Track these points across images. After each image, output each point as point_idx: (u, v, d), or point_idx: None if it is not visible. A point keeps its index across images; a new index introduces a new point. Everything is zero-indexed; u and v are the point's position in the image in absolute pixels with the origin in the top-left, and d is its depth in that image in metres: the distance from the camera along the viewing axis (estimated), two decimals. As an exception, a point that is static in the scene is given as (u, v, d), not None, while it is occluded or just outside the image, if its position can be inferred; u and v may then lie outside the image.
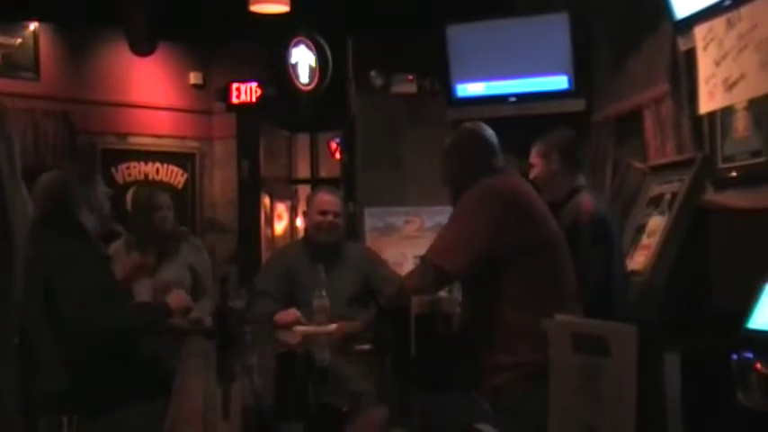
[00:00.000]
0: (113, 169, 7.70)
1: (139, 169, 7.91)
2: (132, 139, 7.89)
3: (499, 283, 2.77)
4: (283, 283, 4.02)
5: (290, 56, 6.83)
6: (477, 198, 2.85)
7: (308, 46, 6.86)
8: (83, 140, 7.36)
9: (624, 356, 0.99)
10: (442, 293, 2.87)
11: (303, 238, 4.40)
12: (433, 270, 2.79)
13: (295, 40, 6.79)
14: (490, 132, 3.09)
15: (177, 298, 3.42)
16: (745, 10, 3.38)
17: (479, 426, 1.72)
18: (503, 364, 2.71)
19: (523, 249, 2.77)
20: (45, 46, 7.27)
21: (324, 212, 4.10)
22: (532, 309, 2.65)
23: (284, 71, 6.90)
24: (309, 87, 6.89)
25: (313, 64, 6.86)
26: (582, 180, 3.78)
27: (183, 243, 4.32)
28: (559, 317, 1.22)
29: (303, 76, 6.91)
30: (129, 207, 5.22)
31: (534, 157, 3.80)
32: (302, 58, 6.91)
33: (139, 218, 4.28)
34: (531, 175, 3.74)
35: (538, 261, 2.79)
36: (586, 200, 3.65)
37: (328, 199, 4.17)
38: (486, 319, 2.75)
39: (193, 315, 3.58)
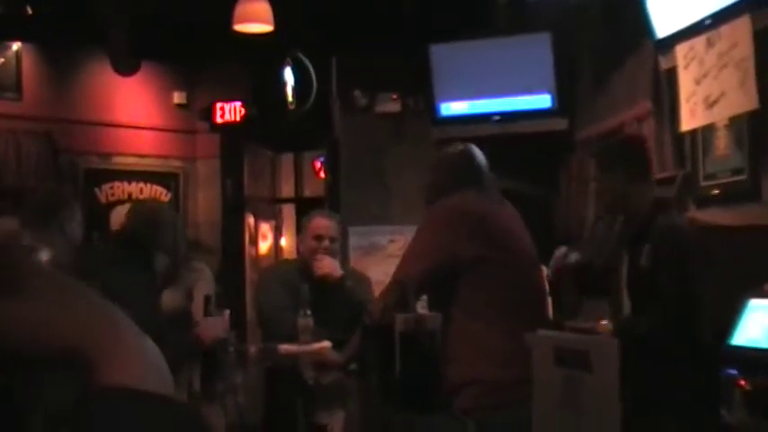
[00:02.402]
0: (97, 189, 7.67)
1: (123, 189, 7.88)
2: (116, 159, 7.86)
3: (457, 297, 2.80)
4: (288, 294, 3.90)
5: (280, 75, 6.83)
6: (435, 213, 2.92)
7: (291, 65, 6.87)
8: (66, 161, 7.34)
9: (606, 371, 0.99)
10: (423, 310, 2.87)
11: (298, 261, 4.18)
12: (394, 284, 2.83)
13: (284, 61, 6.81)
14: (479, 155, 3.11)
15: (209, 326, 3.30)
16: (724, 29, 3.42)
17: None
18: (464, 379, 2.72)
19: (481, 265, 2.80)
20: (28, 66, 7.25)
21: (320, 237, 3.92)
22: (492, 324, 2.69)
23: (271, 90, 6.90)
24: (294, 107, 6.90)
25: (296, 83, 6.87)
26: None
27: (186, 266, 3.97)
28: (541, 332, 1.22)
29: (288, 96, 6.92)
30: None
31: (594, 170, 3.40)
32: (287, 78, 6.92)
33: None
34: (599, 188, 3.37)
35: (495, 277, 2.82)
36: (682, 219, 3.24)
37: (325, 223, 4.00)
38: (446, 332, 2.76)
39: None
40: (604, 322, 3.19)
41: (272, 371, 2.05)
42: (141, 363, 0.58)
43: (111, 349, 0.57)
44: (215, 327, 3.30)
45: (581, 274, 3.70)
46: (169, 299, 3.91)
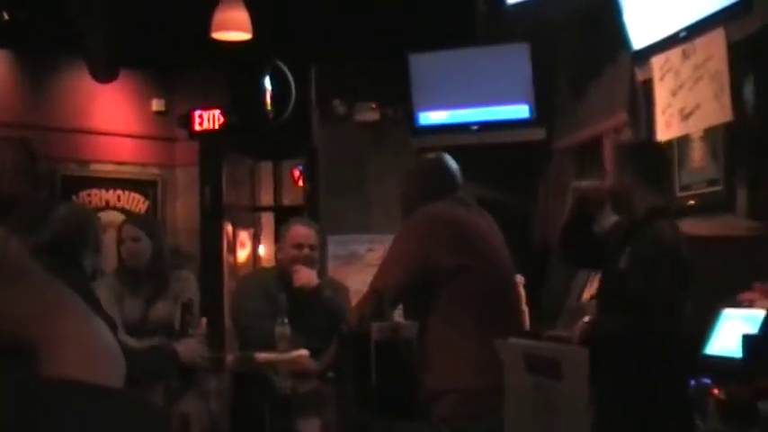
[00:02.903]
0: (74, 197, 7.62)
1: (100, 197, 7.84)
2: (93, 167, 7.82)
3: (433, 306, 2.82)
4: (266, 302, 3.89)
5: (259, 83, 6.83)
6: (412, 223, 2.93)
7: (270, 74, 6.87)
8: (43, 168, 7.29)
9: (576, 379, 1.00)
10: (399, 319, 2.88)
11: (276, 269, 4.15)
12: (371, 294, 2.84)
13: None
14: (453, 164, 3.13)
15: (189, 349, 3.24)
16: (699, 42, 3.46)
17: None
18: (441, 388, 2.74)
19: (457, 274, 2.81)
20: (3, 72, 7.20)
21: (299, 246, 3.90)
22: (467, 332, 2.71)
23: (250, 99, 6.90)
24: (272, 115, 6.89)
25: (275, 92, 6.86)
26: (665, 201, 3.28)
27: (173, 275, 3.96)
28: (511, 339, 1.23)
29: (267, 104, 6.91)
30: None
31: (608, 164, 3.40)
32: (266, 86, 6.91)
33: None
34: (607, 185, 3.31)
35: (471, 286, 2.83)
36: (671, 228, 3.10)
37: (304, 232, 3.97)
38: (422, 341, 2.77)
39: None
40: (586, 319, 3.19)
41: (239, 376, 2.05)
42: (85, 352, 0.58)
43: (56, 339, 0.57)
44: (191, 350, 3.28)
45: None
46: (163, 311, 3.87)
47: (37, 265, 0.61)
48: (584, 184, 3.54)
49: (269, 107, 6.84)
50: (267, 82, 6.83)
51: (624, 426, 2.73)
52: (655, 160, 3.24)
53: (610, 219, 3.43)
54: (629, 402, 2.75)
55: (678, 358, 2.94)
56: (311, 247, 3.95)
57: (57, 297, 0.60)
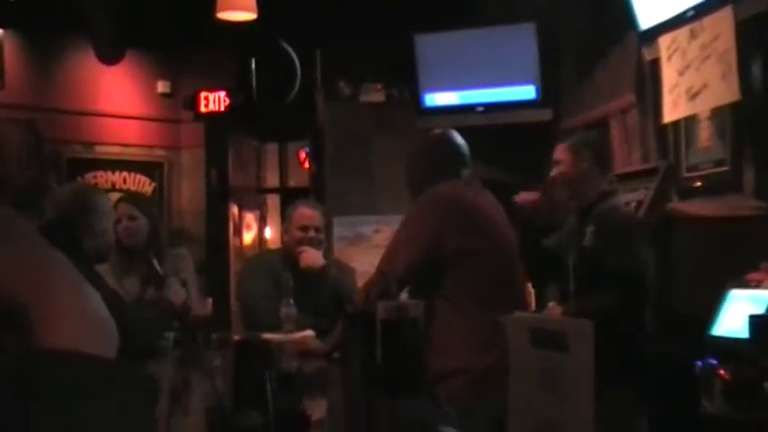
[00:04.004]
0: (80, 178, 7.63)
1: (106, 178, 7.85)
2: (99, 149, 7.83)
3: (440, 287, 2.81)
4: (271, 283, 3.91)
5: (265, 64, 6.80)
6: (423, 204, 2.91)
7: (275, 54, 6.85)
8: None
9: (582, 351, 1.00)
10: (404, 298, 2.88)
11: (281, 250, 4.18)
12: (378, 276, 2.83)
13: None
14: (460, 140, 3.11)
15: (175, 293, 3.38)
16: (707, 21, 3.43)
17: (444, 429, 1.72)
18: (447, 369, 2.74)
19: (465, 255, 2.81)
20: (10, 54, 7.20)
21: (305, 228, 3.91)
22: (472, 313, 2.71)
23: (255, 80, 6.88)
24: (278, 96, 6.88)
25: (281, 73, 6.84)
26: (612, 184, 3.56)
27: (168, 254, 3.97)
28: (517, 313, 1.23)
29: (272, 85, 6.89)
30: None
31: (561, 154, 3.53)
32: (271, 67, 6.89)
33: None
34: (554, 173, 3.52)
35: (479, 268, 2.83)
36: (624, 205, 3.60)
37: (309, 213, 3.97)
38: (429, 322, 2.77)
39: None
40: (551, 304, 3.37)
41: (240, 341, 2.05)
42: (81, 323, 0.58)
43: (50, 309, 0.57)
44: (177, 293, 3.36)
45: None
46: (175, 296, 3.87)
47: (31, 231, 0.61)
48: (521, 198, 3.67)
49: (254, 89, 6.80)
50: (251, 65, 6.80)
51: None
52: (605, 150, 3.70)
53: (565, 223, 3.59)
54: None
55: (645, 320, 3.29)
56: (316, 229, 3.95)
57: (48, 264, 0.60)
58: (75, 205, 3.11)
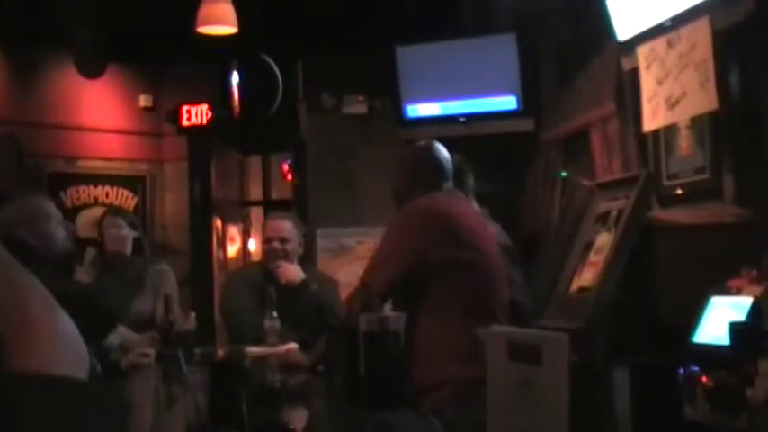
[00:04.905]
0: (62, 193, 7.60)
1: (89, 193, 7.81)
2: (81, 163, 7.79)
3: (424, 300, 2.81)
4: (254, 296, 3.91)
5: (247, 78, 6.82)
6: (403, 218, 2.92)
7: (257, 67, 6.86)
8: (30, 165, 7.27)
9: (556, 364, 1.01)
10: (388, 311, 2.88)
11: (263, 263, 4.20)
12: (361, 289, 2.84)
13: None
14: (444, 153, 3.12)
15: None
16: (684, 31, 3.46)
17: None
18: (433, 381, 2.74)
19: (448, 267, 2.81)
20: (-10, 68, 7.17)
21: (268, 240, 3.98)
22: (457, 324, 2.71)
23: (233, 92, 6.88)
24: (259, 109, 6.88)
25: (262, 85, 6.85)
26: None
27: (150, 269, 4.01)
28: (494, 327, 1.24)
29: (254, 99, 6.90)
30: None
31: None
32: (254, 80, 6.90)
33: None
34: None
35: (463, 279, 2.84)
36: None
37: (272, 225, 4.06)
38: (413, 335, 2.78)
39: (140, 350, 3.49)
40: None
41: (216, 362, 2.06)
42: (54, 345, 0.58)
43: (24, 332, 0.57)
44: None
45: None
46: (141, 305, 3.87)
47: (3, 252, 0.61)
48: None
49: (236, 103, 6.82)
50: (233, 78, 6.82)
51: None
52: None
53: None
54: None
55: None
56: (282, 240, 3.97)
57: (23, 284, 0.60)
58: (17, 215, 3.18)
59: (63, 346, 0.59)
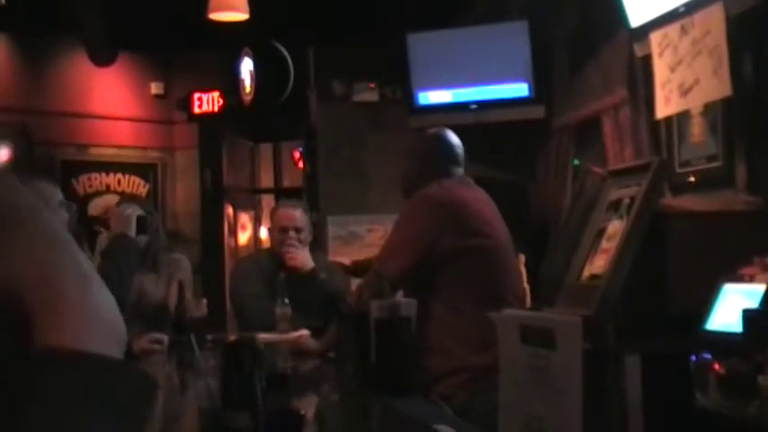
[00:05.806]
0: (74, 181, 7.62)
1: (101, 180, 7.84)
2: (93, 151, 7.82)
3: (436, 287, 2.81)
4: (263, 283, 3.92)
5: (258, 65, 6.81)
6: (415, 206, 2.91)
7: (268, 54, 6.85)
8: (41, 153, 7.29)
9: (570, 348, 1.01)
10: (399, 296, 2.88)
11: (269, 250, 4.19)
12: (373, 277, 2.83)
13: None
14: (455, 140, 3.11)
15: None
16: (698, 16, 3.43)
17: (439, 428, 1.72)
18: (445, 369, 2.74)
19: (459, 255, 2.81)
20: (2, 57, 7.19)
21: (284, 229, 3.94)
22: (468, 312, 2.70)
23: (244, 80, 6.88)
24: (271, 97, 6.88)
25: (274, 73, 6.84)
26: None
27: (164, 256, 3.99)
28: (507, 311, 1.23)
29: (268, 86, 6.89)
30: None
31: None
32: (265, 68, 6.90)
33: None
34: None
35: (474, 266, 2.83)
36: None
37: (288, 214, 4.00)
38: (426, 322, 2.78)
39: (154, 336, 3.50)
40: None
41: (229, 342, 2.06)
42: (83, 321, 0.58)
43: (52, 307, 0.57)
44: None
45: None
46: (157, 293, 3.86)
47: (42, 215, 0.60)
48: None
49: (247, 90, 6.80)
50: (244, 65, 6.81)
51: None
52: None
53: None
54: None
55: None
56: (297, 230, 3.96)
57: (57, 257, 0.60)
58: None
59: (93, 323, 0.59)
